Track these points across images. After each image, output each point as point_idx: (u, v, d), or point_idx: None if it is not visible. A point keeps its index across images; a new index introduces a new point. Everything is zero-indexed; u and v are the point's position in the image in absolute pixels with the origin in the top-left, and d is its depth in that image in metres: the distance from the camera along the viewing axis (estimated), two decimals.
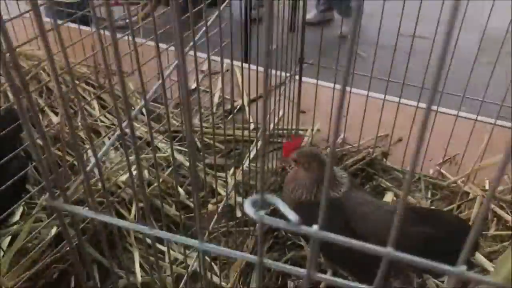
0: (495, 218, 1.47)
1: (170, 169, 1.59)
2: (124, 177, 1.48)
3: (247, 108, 1.89)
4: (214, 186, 1.50)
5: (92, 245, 1.36)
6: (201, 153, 1.55)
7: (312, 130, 1.79)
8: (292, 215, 0.40)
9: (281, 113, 1.69)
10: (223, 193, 1.50)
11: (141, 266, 1.34)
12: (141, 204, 1.45)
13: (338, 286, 0.42)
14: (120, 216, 1.42)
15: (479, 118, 1.55)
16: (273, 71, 1.45)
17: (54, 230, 1.33)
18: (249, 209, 0.41)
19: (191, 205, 1.51)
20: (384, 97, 1.60)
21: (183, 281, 1.19)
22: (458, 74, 1.46)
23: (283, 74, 1.49)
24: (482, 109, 1.53)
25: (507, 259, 0.48)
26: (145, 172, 1.56)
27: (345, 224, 1.13)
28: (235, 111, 1.89)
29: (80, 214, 0.48)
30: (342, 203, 1.20)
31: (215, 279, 1.30)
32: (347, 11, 3.35)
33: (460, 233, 1.08)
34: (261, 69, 1.37)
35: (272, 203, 0.42)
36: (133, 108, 1.85)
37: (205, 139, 1.73)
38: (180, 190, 1.53)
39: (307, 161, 1.23)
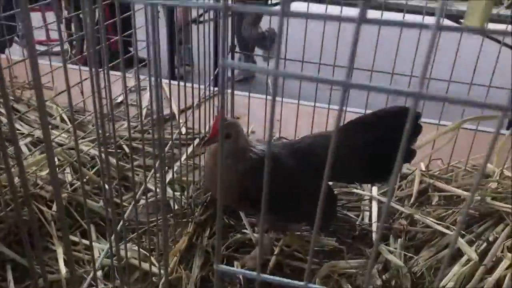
0: (435, 192, 1.46)
1: (96, 168, 1.46)
2: (44, 173, 1.33)
3: (177, 116, 1.83)
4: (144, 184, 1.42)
5: (6, 245, 1.19)
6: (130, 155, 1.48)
7: (248, 131, 1.76)
8: None
9: None
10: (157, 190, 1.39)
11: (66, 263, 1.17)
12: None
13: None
14: (40, 211, 1.25)
15: None
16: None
17: None
18: None
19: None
20: (314, 104, 1.66)
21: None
22: None
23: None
24: None
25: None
26: (68, 169, 1.42)
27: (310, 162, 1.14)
28: (166, 120, 1.83)
29: None
30: (295, 145, 1.20)
31: (153, 269, 1.16)
32: (271, 44, 3.49)
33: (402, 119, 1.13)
34: (188, 84, 1.37)
35: None
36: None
37: (134, 144, 1.64)
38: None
39: (237, 130, 1.12)
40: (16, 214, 0.58)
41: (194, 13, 3.25)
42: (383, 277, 1.15)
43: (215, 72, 1.52)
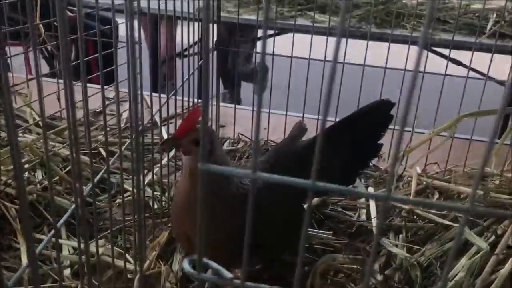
0: (435, 190, 1.38)
1: (69, 168, 1.35)
2: (10, 166, 1.22)
3: (159, 123, 1.74)
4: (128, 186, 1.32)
5: None
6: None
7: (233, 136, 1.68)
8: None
9: None
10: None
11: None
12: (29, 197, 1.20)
13: None
14: (6, 208, 1.13)
15: None
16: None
17: None
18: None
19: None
20: (303, 114, 1.60)
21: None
22: None
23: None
24: None
25: None
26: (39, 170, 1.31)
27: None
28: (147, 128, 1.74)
29: None
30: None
31: (128, 266, 1.04)
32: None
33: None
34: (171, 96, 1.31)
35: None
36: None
37: (112, 148, 1.55)
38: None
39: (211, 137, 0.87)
40: None
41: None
42: (385, 272, 1.04)
43: (199, 63, 1.44)
